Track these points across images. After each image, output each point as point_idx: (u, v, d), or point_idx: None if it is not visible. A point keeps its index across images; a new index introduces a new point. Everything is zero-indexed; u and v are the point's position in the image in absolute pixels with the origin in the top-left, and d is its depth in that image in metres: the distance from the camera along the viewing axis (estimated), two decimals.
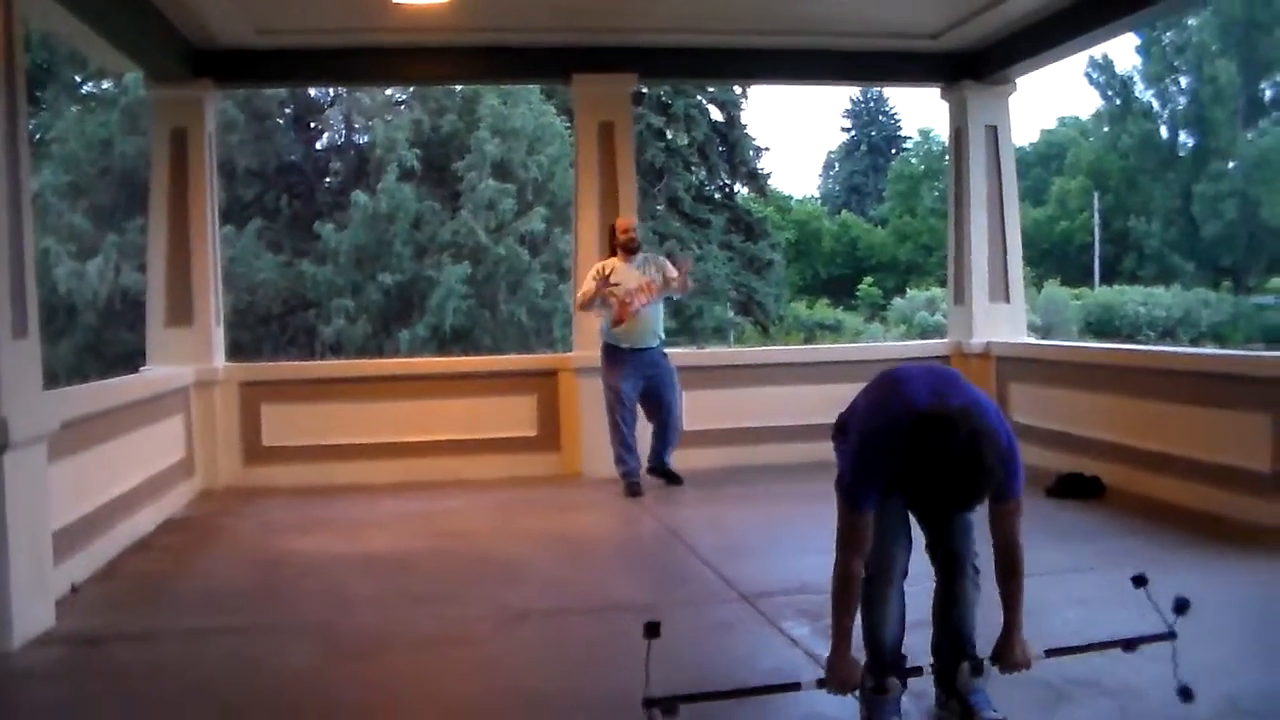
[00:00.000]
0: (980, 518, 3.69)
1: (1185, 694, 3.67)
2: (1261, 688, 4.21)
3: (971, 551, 3.87)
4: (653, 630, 3.55)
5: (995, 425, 3.46)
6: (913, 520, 3.87)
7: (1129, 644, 3.79)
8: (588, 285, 8.61)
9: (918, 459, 3.33)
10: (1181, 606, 3.65)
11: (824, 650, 4.65)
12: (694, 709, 3.71)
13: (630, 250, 8.68)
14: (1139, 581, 3.76)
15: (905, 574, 3.87)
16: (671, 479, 8.78)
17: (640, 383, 8.61)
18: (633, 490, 8.53)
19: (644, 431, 8.82)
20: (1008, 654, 3.68)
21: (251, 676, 4.69)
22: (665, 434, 8.79)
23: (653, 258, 8.92)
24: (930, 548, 3.91)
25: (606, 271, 8.55)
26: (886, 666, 3.83)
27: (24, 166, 5.35)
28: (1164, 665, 3.74)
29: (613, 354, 8.64)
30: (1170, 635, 3.65)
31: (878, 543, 3.78)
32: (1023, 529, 3.66)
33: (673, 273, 8.64)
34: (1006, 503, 3.61)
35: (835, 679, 3.68)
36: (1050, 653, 3.85)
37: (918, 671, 3.83)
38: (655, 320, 8.66)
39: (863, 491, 3.59)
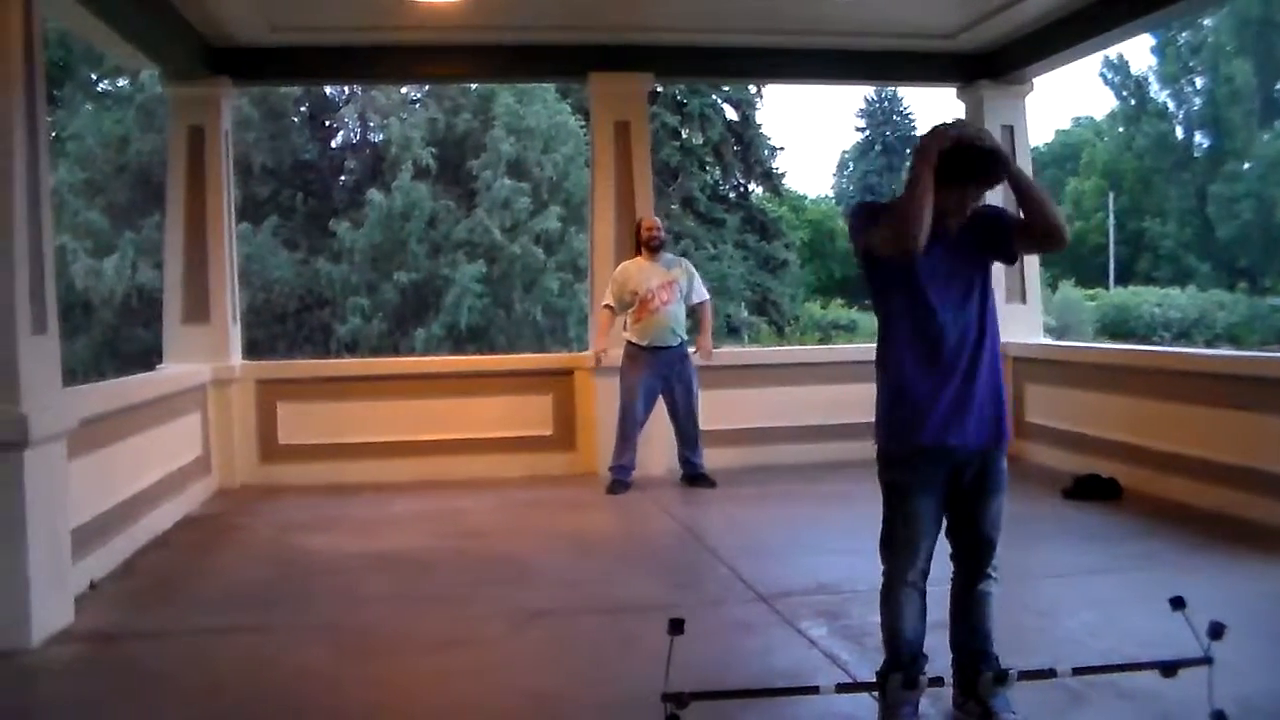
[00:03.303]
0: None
1: (1219, 718, 3.60)
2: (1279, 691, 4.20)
3: (995, 552, 3.87)
4: (677, 627, 3.57)
5: None
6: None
7: (1166, 669, 3.74)
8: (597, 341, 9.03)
9: None
10: (1217, 631, 3.60)
11: (841, 651, 4.71)
12: (713, 708, 3.72)
13: (654, 248, 8.72)
14: (1177, 604, 3.70)
15: (926, 573, 3.87)
16: (703, 482, 8.75)
17: (658, 382, 8.64)
18: (616, 488, 8.59)
19: (662, 429, 8.87)
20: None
21: (265, 675, 4.70)
22: (687, 438, 8.82)
23: (681, 261, 8.99)
24: (955, 549, 3.91)
25: (627, 281, 8.66)
26: (907, 665, 3.83)
27: (44, 165, 5.38)
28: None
29: (633, 352, 8.67)
30: (1207, 660, 3.61)
31: (903, 532, 3.80)
32: None
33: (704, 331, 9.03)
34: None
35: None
36: (1078, 671, 3.85)
37: (939, 682, 3.82)
38: (676, 319, 8.68)
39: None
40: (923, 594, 3.87)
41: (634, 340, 8.67)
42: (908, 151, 63.74)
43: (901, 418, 3.78)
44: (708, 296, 9.00)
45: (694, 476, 8.79)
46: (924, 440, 3.74)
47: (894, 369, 3.82)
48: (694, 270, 8.99)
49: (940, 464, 3.76)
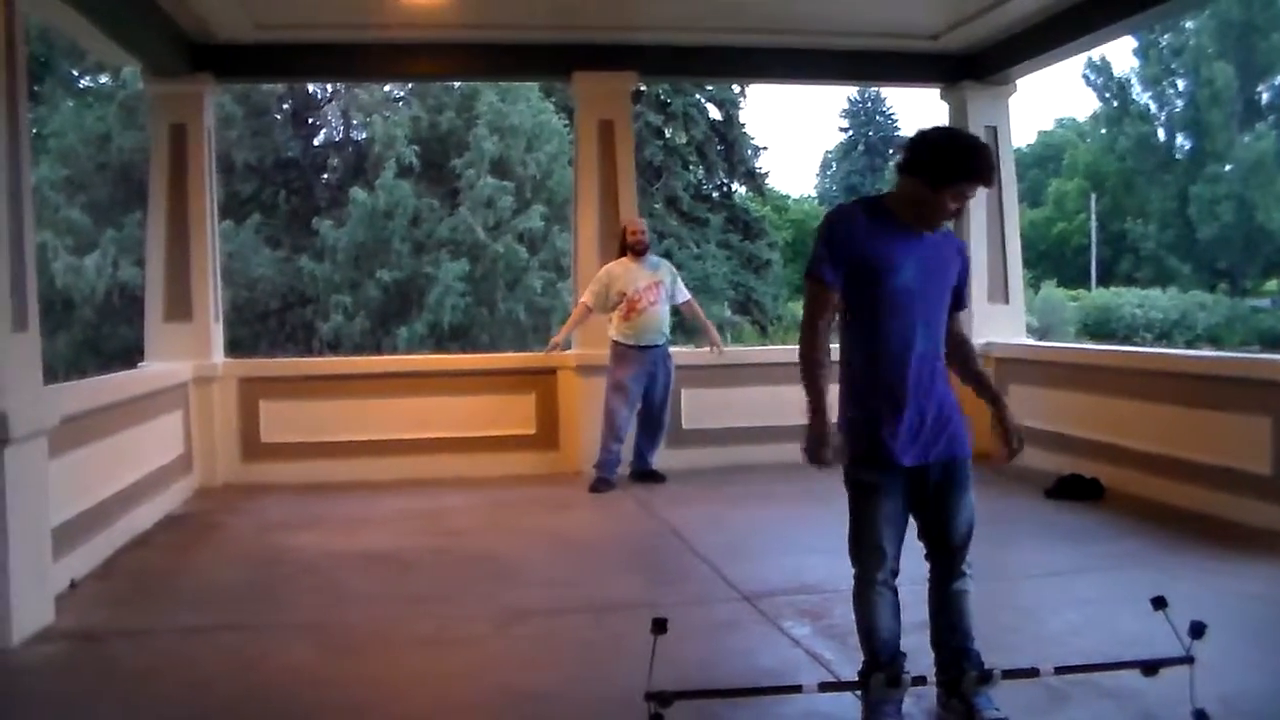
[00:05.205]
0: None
1: (1200, 717, 3.62)
2: (1260, 690, 4.21)
3: (968, 550, 3.88)
4: (660, 626, 3.59)
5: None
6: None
7: (1148, 668, 3.76)
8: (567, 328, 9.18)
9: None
10: (1198, 630, 3.62)
11: (824, 650, 4.71)
12: (697, 707, 3.72)
13: (639, 251, 8.78)
14: (1158, 604, 3.72)
15: (896, 572, 3.86)
16: (654, 478, 8.83)
17: (644, 380, 8.71)
18: (600, 486, 8.63)
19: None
20: (1011, 424, 3.92)
21: (248, 674, 4.68)
22: (653, 433, 8.93)
23: (664, 262, 9.08)
24: (928, 550, 3.92)
25: (613, 282, 8.72)
26: (886, 665, 3.83)
27: (25, 161, 5.35)
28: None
29: (621, 351, 8.73)
30: (1189, 660, 3.63)
31: (869, 534, 3.79)
32: None
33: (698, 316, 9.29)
34: (963, 309, 4.02)
35: (808, 449, 3.80)
36: (1061, 670, 3.85)
37: (923, 681, 3.83)
38: (663, 319, 8.78)
39: (826, 265, 3.76)
40: (894, 592, 3.87)
41: (622, 340, 8.71)
42: (890, 152, 64.01)
43: (861, 419, 3.79)
44: (689, 296, 9.09)
45: (644, 471, 8.90)
46: (883, 442, 3.75)
47: (856, 370, 3.83)
48: (675, 271, 9.07)
49: (900, 468, 3.76)
